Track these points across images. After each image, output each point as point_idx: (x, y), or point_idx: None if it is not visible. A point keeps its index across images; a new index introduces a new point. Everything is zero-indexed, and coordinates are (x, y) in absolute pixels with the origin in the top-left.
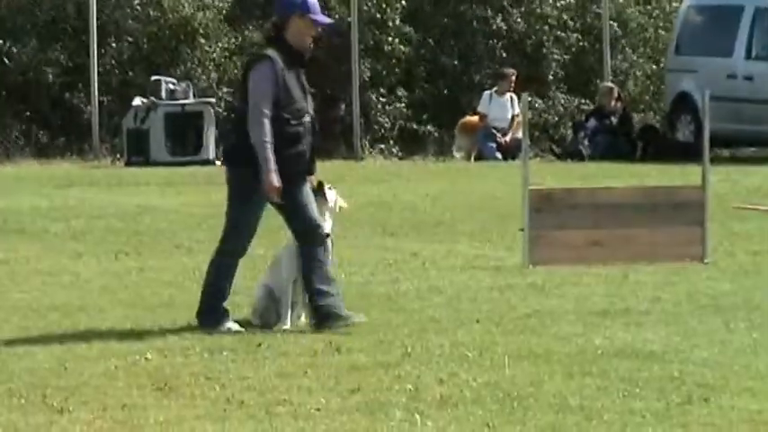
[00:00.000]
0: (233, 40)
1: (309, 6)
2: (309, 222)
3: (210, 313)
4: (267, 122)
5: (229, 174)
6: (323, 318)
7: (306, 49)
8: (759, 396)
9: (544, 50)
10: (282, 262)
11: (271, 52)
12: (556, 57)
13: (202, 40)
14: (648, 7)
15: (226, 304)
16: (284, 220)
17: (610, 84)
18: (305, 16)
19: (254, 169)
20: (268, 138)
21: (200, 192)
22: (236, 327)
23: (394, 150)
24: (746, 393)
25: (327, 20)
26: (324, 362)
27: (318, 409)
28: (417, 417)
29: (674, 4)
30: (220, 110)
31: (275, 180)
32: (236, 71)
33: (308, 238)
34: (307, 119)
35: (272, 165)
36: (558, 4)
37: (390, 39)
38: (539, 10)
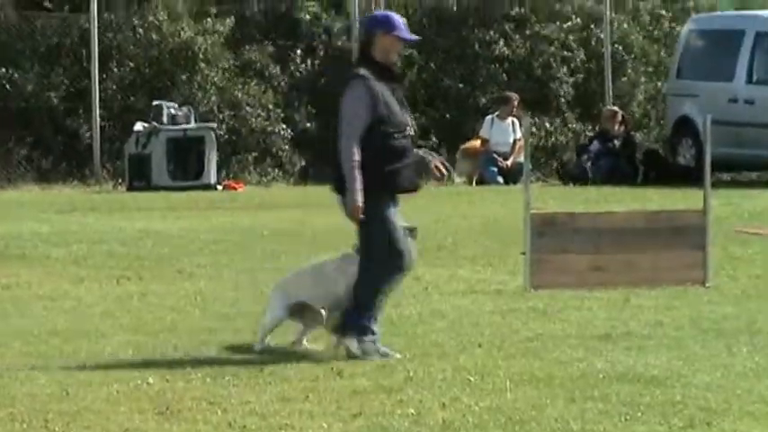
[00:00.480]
0: (234, 63)
1: (394, 24)
2: (398, 245)
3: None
4: (356, 143)
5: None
6: (364, 351)
7: (393, 65)
8: (761, 420)
9: (551, 72)
10: (336, 277)
11: (362, 71)
12: (563, 79)
13: (203, 65)
14: (650, 30)
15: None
16: (364, 236)
17: (613, 107)
18: (390, 33)
19: (369, 189)
20: (356, 158)
21: (201, 217)
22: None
23: None
24: (749, 417)
25: (412, 36)
26: (326, 386)
27: None
28: None
29: (677, 29)
30: (222, 133)
31: (359, 201)
32: (237, 94)
33: (392, 261)
34: (409, 132)
35: (358, 185)
36: (564, 26)
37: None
38: (544, 32)
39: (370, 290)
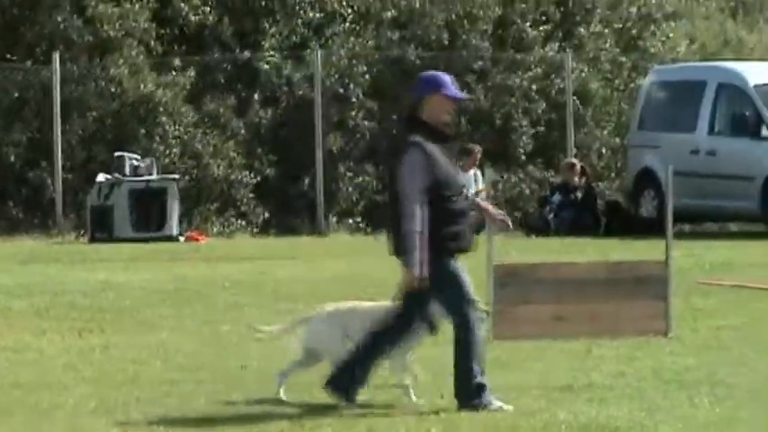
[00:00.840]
0: (195, 115)
1: (442, 84)
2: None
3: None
4: (417, 211)
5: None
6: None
7: (445, 126)
8: None
9: (512, 123)
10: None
11: (417, 138)
12: (524, 130)
13: (164, 118)
14: (611, 79)
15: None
16: (439, 298)
17: (572, 159)
18: (439, 93)
19: (433, 251)
20: (418, 228)
21: (163, 268)
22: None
23: (360, 225)
24: None
25: (462, 95)
26: None
27: None
28: None
29: (636, 78)
30: (184, 185)
31: (417, 272)
32: (198, 146)
33: (466, 318)
34: (466, 193)
35: (417, 257)
36: (526, 76)
37: (354, 114)
38: (507, 82)
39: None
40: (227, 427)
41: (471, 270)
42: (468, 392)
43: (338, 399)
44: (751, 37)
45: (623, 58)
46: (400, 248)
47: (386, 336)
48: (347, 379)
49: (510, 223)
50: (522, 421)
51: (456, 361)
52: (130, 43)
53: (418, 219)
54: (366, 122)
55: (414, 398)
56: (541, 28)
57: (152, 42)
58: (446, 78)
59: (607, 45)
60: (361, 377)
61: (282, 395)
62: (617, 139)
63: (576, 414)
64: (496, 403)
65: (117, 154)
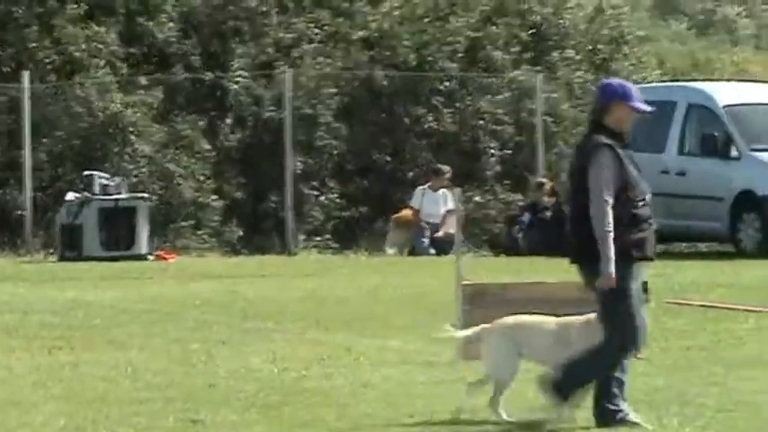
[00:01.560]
0: (164, 135)
1: (630, 95)
2: (637, 321)
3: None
4: (610, 212)
5: (591, 270)
6: (609, 420)
7: (626, 133)
8: None
9: (481, 146)
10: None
11: (604, 139)
12: (493, 152)
13: (133, 137)
14: (581, 101)
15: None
16: (607, 308)
17: (540, 179)
18: (626, 103)
19: (616, 260)
20: (611, 228)
21: (133, 286)
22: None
23: (328, 244)
24: None
25: (647, 107)
26: None
27: None
28: None
29: None
30: (154, 204)
31: (613, 270)
32: (168, 165)
33: (632, 337)
34: (649, 197)
35: (612, 256)
36: (494, 100)
37: (322, 134)
38: (476, 104)
39: (600, 363)
40: None
41: (440, 289)
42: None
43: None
44: (719, 57)
45: (593, 79)
46: (585, 253)
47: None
48: (558, 392)
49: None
50: None
51: (584, 363)
52: (97, 63)
53: (610, 219)
54: (334, 142)
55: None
56: (512, 50)
57: (119, 63)
58: (635, 91)
59: (579, 69)
60: (572, 391)
61: (502, 414)
62: None
63: None
64: (635, 420)
65: (86, 173)
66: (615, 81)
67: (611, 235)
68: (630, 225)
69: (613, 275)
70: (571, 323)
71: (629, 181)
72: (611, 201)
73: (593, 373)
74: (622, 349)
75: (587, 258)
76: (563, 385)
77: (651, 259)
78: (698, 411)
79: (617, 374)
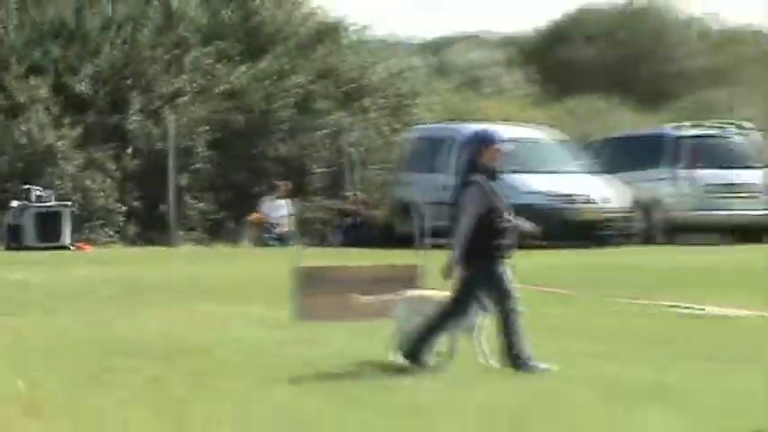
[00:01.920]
0: (82, 159)
1: (494, 139)
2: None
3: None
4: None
5: (473, 266)
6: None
7: (497, 167)
8: None
9: (309, 168)
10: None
11: (477, 177)
12: (317, 172)
13: (60, 161)
14: (384, 134)
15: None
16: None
17: (349, 193)
18: (492, 146)
19: (488, 259)
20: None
21: (59, 269)
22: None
23: (202, 238)
24: None
25: (509, 146)
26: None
27: None
28: None
29: (400, 134)
30: (74, 210)
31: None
32: (86, 182)
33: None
34: (508, 216)
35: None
36: (319, 135)
37: (197, 160)
38: (306, 140)
39: (447, 322)
40: (105, 385)
41: (282, 271)
42: (511, 359)
43: (411, 363)
44: (486, 104)
45: (392, 121)
46: (468, 254)
47: (449, 317)
48: (417, 348)
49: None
50: (323, 370)
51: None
52: (36, 107)
53: (472, 229)
54: (206, 166)
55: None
56: (333, 100)
57: (51, 107)
58: (496, 134)
59: (382, 115)
60: (430, 347)
61: (395, 357)
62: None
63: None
64: (539, 365)
65: (25, 186)
66: (481, 130)
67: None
68: (495, 235)
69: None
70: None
71: (494, 205)
72: (474, 221)
73: (436, 330)
74: (460, 312)
75: (465, 258)
76: (415, 345)
77: (509, 257)
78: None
79: (511, 328)
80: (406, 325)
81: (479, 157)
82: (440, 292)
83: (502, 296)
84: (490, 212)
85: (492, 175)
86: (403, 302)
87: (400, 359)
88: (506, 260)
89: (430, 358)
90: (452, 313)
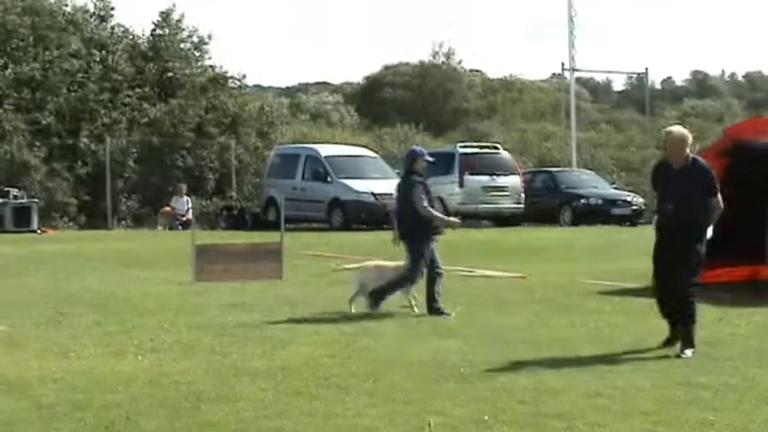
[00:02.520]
0: (48, 171)
1: (421, 153)
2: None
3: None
4: (430, 209)
5: (412, 239)
6: (436, 311)
7: (425, 175)
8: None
9: (204, 175)
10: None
11: (416, 177)
12: (210, 178)
13: (31, 172)
14: (258, 150)
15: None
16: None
17: (232, 192)
18: (422, 158)
19: (423, 233)
20: (433, 212)
21: (30, 246)
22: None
23: (129, 225)
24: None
25: (429, 159)
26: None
27: None
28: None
29: (268, 152)
30: (41, 205)
31: (446, 219)
32: (49, 185)
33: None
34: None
35: (441, 218)
36: (210, 152)
37: (129, 171)
38: (202, 155)
39: (401, 284)
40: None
41: (185, 246)
42: (431, 306)
43: (371, 306)
44: (328, 131)
45: (262, 142)
46: (406, 234)
47: (404, 278)
48: (380, 298)
49: (456, 226)
50: (212, 321)
51: (427, 289)
52: (16, 134)
53: (431, 210)
54: (133, 174)
55: (416, 310)
56: (221, 126)
57: (26, 134)
58: (422, 150)
59: (251, 136)
60: (387, 297)
61: (352, 310)
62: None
63: (243, 319)
64: (446, 312)
65: (5, 188)
66: (416, 147)
67: (434, 212)
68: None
69: (450, 221)
70: (401, 264)
71: (429, 198)
72: (427, 204)
73: (395, 288)
74: (415, 277)
75: (407, 236)
76: (379, 295)
77: (441, 234)
78: (305, 309)
79: (435, 288)
80: (368, 285)
81: (415, 165)
82: (392, 262)
83: (432, 263)
84: (427, 202)
85: (422, 177)
86: (365, 269)
87: (354, 310)
88: (436, 237)
89: (382, 306)
90: (410, 277)
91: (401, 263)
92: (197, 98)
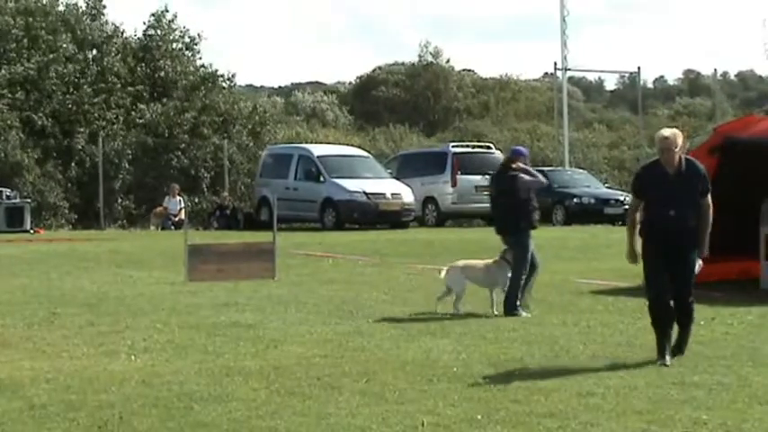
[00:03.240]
0: (39, 171)
1: (523, 153)
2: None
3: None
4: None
5: (516, 231)
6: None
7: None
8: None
9: (199, 175)
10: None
11: (515, 172)
12: (204, 176)
13: (25, 172)
14: (249, 149)
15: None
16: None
17: (225, 192)
18: (521, 158)
19: (527, 225)
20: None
21: (22, 245)
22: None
23: (123, 224)
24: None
25: (525, 151)
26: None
27: None
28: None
29: (261, 153)
30: (33, 205)
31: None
32: (41, 187)
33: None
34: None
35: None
36: (205, 152)
37: (123, 171)
38: (195, 155)
39: (516, 282)
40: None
41: (178, 246)
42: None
43: (510, 314)
44: (322, 131)
45: (253, 142)
46: (506, 228)
47: (516, 275)
48: (513, 306)
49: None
50: (202, 321)
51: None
52: (13, 133)
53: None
54: (127, 175)
55: (494, 311)
56: (212, 126)
57: (21, 134)
58: (526, 151)
59: (243, 136)
60: (519, 301)
61: (438, 309)
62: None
63: (236, 318)
64: (523, 314)
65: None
66: (515, 147)
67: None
68: (532, 210)
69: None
70: (489, 263)
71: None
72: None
73: (517, 289)
74: (524, 271)
75: (510, 229)
76: (509, 300)
77: (535, 227)
78: (302, 307)
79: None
80: (456, 285)
81: (512, 162)
82: (480, 261)
83: (533, 257)
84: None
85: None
86: (453, 269)
87: (441, 310)
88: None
89: (522, 311)
90: (520, 272)
91: (490, 261)
92: (190, 98)
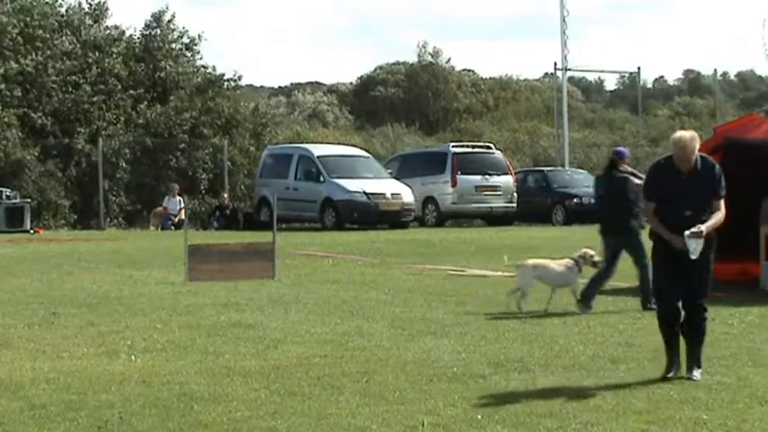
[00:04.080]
0: (41, 170)
1: (625, 155)
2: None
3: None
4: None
5: (625, 232)
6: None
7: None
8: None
9: (198, 175)
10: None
11: (619, 173)
12: (203, 178)
13: (26, 171)
14: (249, 150)
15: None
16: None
17: (225, 193)
18: (624, 159)
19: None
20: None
21: (23, 245)
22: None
23: (122, 224)
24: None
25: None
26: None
27: None
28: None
29: (260, 153)
30: (33, 205)
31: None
32: (42, 186)
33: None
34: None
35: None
36: (205, 152)
37: (121, 171)
38: (195, 155)
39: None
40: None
41: (178, 246)
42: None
43: (582, 309)
44: (322, 131)
45: (254, 143)
46: (614, 230)
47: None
48: (589, 297)
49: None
50: (201, 321)
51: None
52: (10, 132)
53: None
54: (126, 175)
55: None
56: (214, 127)
57: (20, 134)
58: (627, 153)
59: (245, 138)
60: (592, 295)
61: (508, 304)
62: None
63: (234, 317)
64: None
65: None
66: (618, 148)
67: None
68: (640, 211)
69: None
70: (562, 263)
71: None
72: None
73: (597, 285)
74: (613, 272)
75: (621, 229)
76: (588, 296)
77: (642, 227)
78: (302, 306)
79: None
80: (526, 283)
81: (617, 164)
82: (550, 260)
83: (615, 259)
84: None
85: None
86: (523, 268)
87: (520, 308)
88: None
89: (593, 305)
90: (611, 270)
91: (562, 261)
92: (191, 99)
